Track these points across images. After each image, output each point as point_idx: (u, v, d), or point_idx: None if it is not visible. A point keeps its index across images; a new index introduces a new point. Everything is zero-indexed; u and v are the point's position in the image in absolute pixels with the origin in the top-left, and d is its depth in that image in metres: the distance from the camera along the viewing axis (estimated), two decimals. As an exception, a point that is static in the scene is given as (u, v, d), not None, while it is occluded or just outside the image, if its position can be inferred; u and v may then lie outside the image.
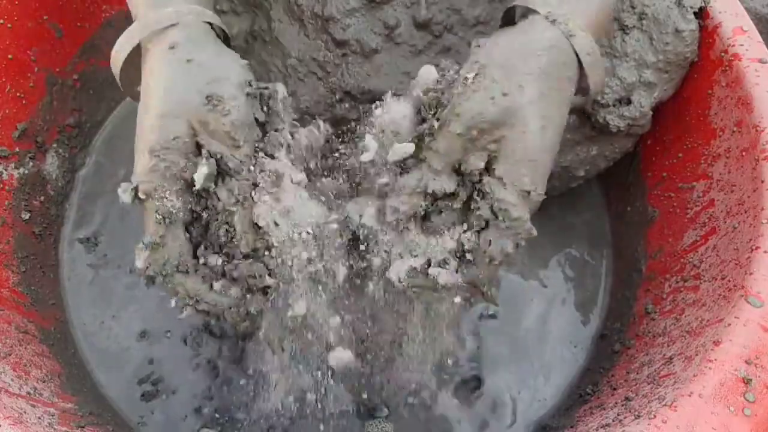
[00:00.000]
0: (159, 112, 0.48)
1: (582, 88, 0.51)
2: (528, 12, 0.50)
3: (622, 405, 0.55)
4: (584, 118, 0.69)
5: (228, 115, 0.47)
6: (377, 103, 0.52)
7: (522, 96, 0.46)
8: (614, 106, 0.67)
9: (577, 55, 0.48)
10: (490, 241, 0.48)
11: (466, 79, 0.47)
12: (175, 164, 0.48)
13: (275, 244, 0.51)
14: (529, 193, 0.47)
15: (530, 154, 0.46)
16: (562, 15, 0.47)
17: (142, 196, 0.49)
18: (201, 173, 0.48)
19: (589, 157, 0.72)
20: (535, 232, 0.48)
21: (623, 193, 0.79)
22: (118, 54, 0.52)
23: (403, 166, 0.51)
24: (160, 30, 0.50)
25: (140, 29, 0.50)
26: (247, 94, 0.49)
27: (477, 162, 0.47)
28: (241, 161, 0.49)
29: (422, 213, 0.50)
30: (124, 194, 0.50)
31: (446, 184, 0.48)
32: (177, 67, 0.48)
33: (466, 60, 0.50)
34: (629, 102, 0.67)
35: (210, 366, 0.70)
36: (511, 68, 0.46)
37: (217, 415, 0.68)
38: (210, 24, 0.52)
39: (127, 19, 0.80)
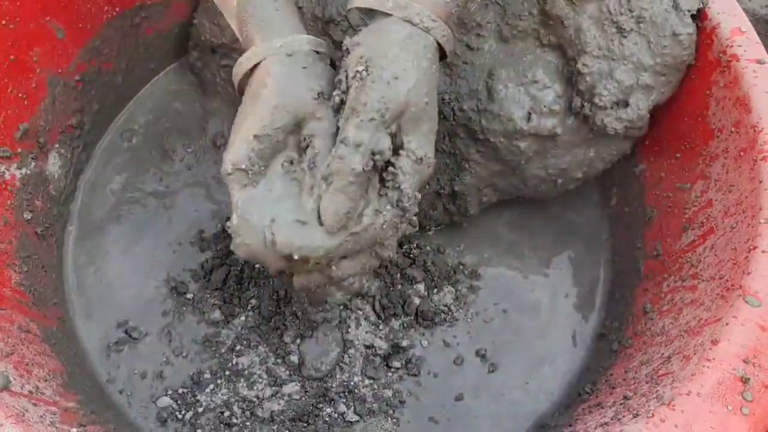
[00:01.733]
0: (273, 103, 0.56)
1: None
2: (376, 14, 0.57)
3: (621, 404, 0.55)
4: (582, 120, 0.69)
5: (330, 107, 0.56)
6: None
7: (408, 78, 0.54)
8: (612, 108, 0.68)
9: (437, 42, 0.57)
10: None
11: (358, 72, 0.54)
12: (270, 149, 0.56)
13: None
14: (422, 159, 0.56)
15: (429, 127, 0.57)
16: (415, 15, 0.55)
17: (230, 170, 0.56)
18: None
19: (587, 159, 0.72)
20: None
21: (622, 193, 0.79)
22: (241, 67, 0.59)
23: None
24: (281, 50, 0.58)
25: (265, 50, 0.58)
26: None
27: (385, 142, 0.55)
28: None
29: None
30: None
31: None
32: (294, 70, 0.57)
33: (342, 63, 0.57)
34: (627, 104, 0.68)
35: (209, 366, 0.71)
36: (393, 57, 0.54)
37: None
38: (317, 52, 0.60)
39: (126, 20, 0.81)
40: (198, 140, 0.85)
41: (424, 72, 0.56)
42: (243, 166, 0.55)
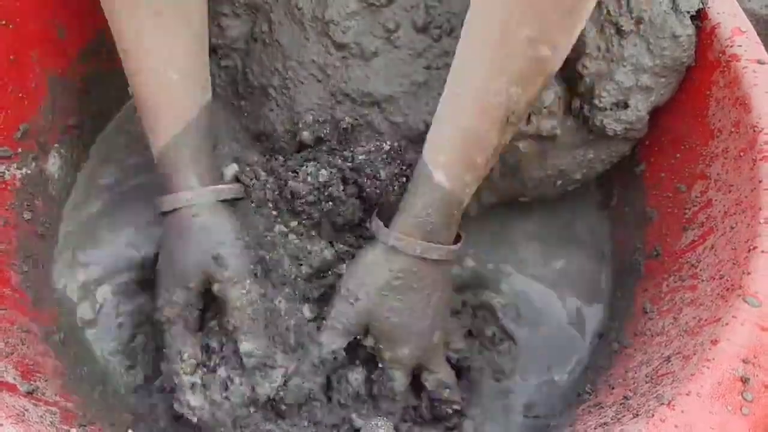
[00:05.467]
0: (180, 266, 0.65)
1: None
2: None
3: (621, 404, 0.55)
4: (581, 121, 0.70)
5: (227, 268, 0.63)
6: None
7: (368, 300, 0.63)
8: (611, 109, 0.68)
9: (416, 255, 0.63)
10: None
11: (348, 300, 0.64)
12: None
13: None
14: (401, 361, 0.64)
15: (397, 335, 0.63)
16: (384, 236, 0.63)
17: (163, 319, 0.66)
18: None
19: (586, 160, 0.72)
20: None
21: (622, 193, 0.79)
22: (158, 207, 0.67)
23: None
24: (188, 206, 0.65)
25: (174, 202, 0.65)
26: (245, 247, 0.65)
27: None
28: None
29: None
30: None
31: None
32: (195, 233, 0.64)
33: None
34: (626, 106, 0.68)
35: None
36: (373, 291, 0.63)
37: None
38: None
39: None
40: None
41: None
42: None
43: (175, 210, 0.65)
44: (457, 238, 0.66)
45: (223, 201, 0.67)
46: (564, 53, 0.59)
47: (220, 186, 0.67)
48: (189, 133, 0.66)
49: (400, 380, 0.65)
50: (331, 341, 0.64)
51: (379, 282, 0.63)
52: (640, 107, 0.68)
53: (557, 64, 0.59)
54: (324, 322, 0.65)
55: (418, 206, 0.62)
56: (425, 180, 0.62)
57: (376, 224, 0.65)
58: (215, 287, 0.64)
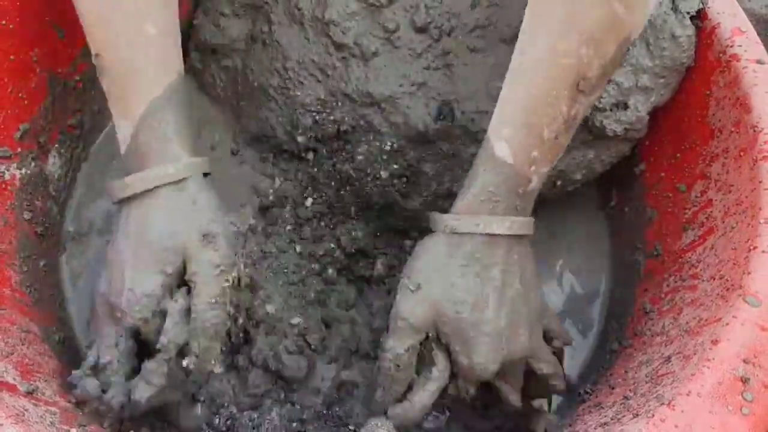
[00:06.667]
0: (159, 244, 0.57)
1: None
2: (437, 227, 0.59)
3: (621, 404, 0.55)
4: (581, 122, 0.69)
5: (218, 250, 0.57)
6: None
7: (432, 290, 0.56)
8: (611, 110, 0.68)
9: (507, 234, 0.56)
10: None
11: (409, 288, 0.57)
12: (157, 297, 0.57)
13: None
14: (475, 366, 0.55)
15: (472, 334, 0.55)
16: (441, 222, 0.57)
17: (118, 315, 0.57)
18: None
19: (586, 161, 0.72)
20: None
21: (622, 193, 0.79)
22: (125, 190, 0.59)
23: None
24: (173, 181, 0.58)
25: (155, 179, 0.58)
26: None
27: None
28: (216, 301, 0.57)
29: None
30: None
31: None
32: (183, 206, 0.58)
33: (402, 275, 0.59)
34: (626, 106, 0.68)
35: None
36: (437, 280, 0.56)
37: None
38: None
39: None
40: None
41: None
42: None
43: (150, 190, 0.57)
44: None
45: (205, 174, 0.61)
46: (640, 16, 0.54)
47: (203, 158, 0.61)
48: (170, 98, 0.59)
49: (471, 393, 0.58)
50: (399, 343, 0.56)
51: (441, 273, 0.56)
52: (639, 107, 0.68)
53: (633, 27, 0.54)
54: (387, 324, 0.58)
55: (478, 185, 0.56)
56: (488, 156, 0.56)
57: (432, 216, 0.59)
58: (191, 271, 0.56)
